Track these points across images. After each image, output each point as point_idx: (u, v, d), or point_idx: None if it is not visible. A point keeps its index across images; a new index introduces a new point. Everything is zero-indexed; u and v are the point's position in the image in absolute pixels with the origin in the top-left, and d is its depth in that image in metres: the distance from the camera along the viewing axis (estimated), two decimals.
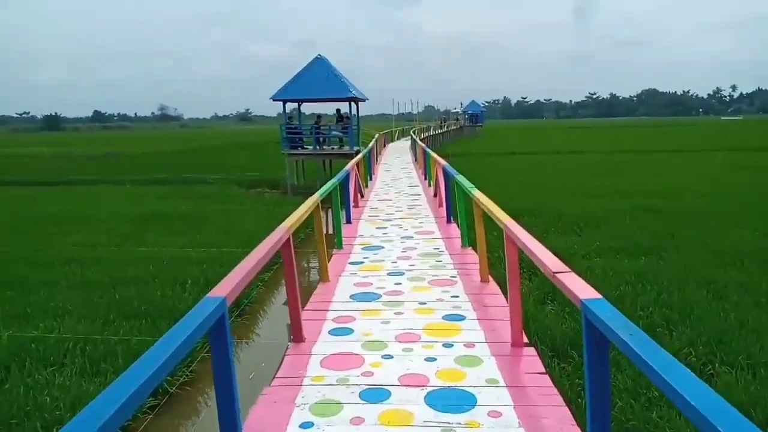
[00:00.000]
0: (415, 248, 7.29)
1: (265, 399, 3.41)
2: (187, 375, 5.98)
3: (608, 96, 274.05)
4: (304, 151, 23.12)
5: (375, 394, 3.39)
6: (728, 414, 1.47)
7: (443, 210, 9.43)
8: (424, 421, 3.08)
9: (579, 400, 4.59)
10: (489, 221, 5.09)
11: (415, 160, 21.49)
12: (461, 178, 7.15)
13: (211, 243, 11.29)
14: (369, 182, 15.12)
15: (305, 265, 10.77)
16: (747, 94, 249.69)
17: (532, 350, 4.07)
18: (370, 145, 19.71)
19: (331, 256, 6.94)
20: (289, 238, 4.23)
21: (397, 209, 10.58)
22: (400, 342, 4.19)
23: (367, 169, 15.75)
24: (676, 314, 6.49)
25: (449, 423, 3.05)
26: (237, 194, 20.44)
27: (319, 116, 25.33)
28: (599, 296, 2.42)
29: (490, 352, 3.98)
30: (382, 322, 4.63)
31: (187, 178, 24.95)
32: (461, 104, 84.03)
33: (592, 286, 2.58)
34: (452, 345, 4.12)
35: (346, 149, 22.45)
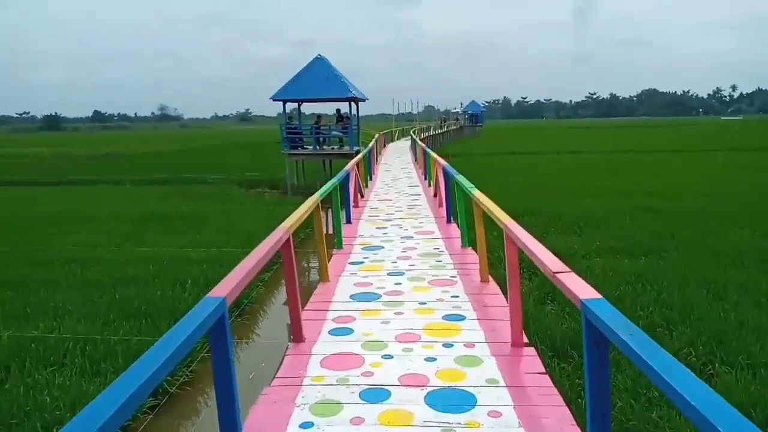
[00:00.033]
0: (415, 248, 7.29)
1: (265, 399, 3.41)
2: (187, 375, 5.98)
3: (608, 96, 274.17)
4: (304, 151, 23.13)
5: (375, 394, 3.39)
6: (728, 414, 1.47)
7: (443, 210, 9.43)
8: (424, 421, 3.08)
9: (579, 400, 4.59)
10: (489, 221, 5.09)
11: (415, 160, 21.49)
12: (461, 178, 7.15)
13: (211, 243, 11.29)
14: (369, 182, 15.12)
15: (305, 265, 10.77)
16: (747, 94, 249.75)
17: (532, 350, 4.08)
18: (370, 145, 19.71)
19: (331, 256, 6.94)
20: (289, 238, 4.23)
21: (397, 209, 10.58)
22: (400, 342, 4.19)
23: (367, 169, 15.75)
24: (676, 314, 6.49)
25: (449, 423, 3.05)
26: (237, 194, 20.44)
27: (319, 116, 25.33)
28: (599, 296, 2.42)
29: (490, 352, 3.98)
30: (382, 322, 4.63)
31: (187, 178, 24.95)
32: (461, 104, 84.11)
33: (592, 286, 2.58)
34: (452, 345, 4.12)
35: (346, 149, 22.45)
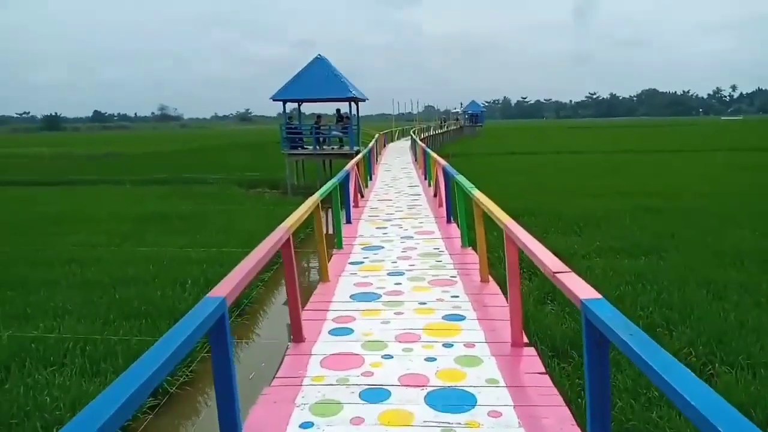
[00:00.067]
0: (415, 248, 7.29)
1: (265, 399, 3.41)
2: (187, 375, 5.98)
3: (608, 96, 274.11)
4: (304, 151, 23.13)
5: (375, 394, 3.39)
6: (728, 414, 1.47)
7: (443, 210, 9.43)
8: (424, 421, 3.08)
9: (579, 400, 4.59)
10: (489, 221, 5.09)
11: (415, 160, 21.49)
12: (461, 178, 7.15)
13: (211, 243, 11.29)
14: (369, 182, 15.12)
15: (305, 265, 10.77)
16: (747, 94, 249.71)
17: (532, 350, 4.08)
18: (370, 145, 19.71)
19: (331, 256, 6.94)
20: (289, 238, 4.23)
21: (397, 209, 10.58)
22: (400, 342, 4.19)
23: (367, 169, 15.75)
24: (676, 314, 6.50)
25: (449, 423, 3.05)
26: (237, 194, 20.44)
27: (319, 116, 25.33)
28: (599, 296, 2.42)
29: (490, 352, 3.98)
30: (382, 322, 4.63)
31: (187, 178, 24.95)
32: (461, 104, 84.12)
33: (592, 286, 2.58)
34: (452, 345, 4.12)
35: (346, 149, 22.45)
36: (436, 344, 4.13)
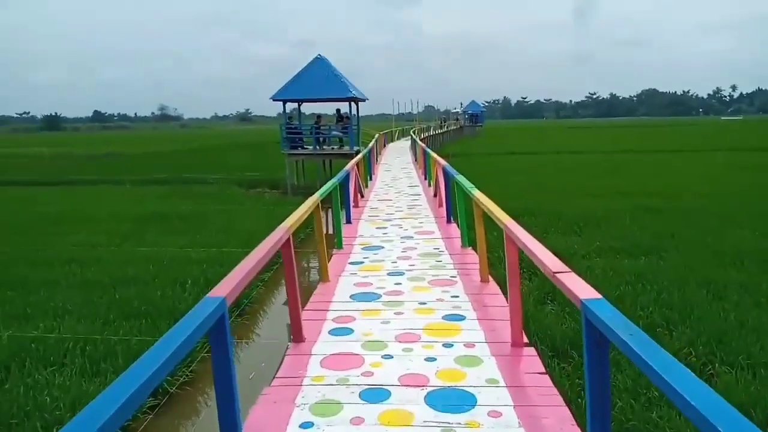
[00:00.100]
0: (415, 248, 7.29)
1: (265, 399, 3.41)
2: (187, 375, 5.98)
3: (608, 96, 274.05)
4: (304, 151, 23.13)
5: (375, 394, 3.39)
6: (728, 414, 1.47)
7: (443, 210, 9.43)
8: (424, 421, 3.07)
9: (579, 400, 4.59)
10: (489, 221, 5.09)
11: (415, 160, 21.49)
12: (461, 178, 7.15)
13: (211, 243, 11.29)
14: (369, 182, 15.12)
15: (305, 265, 10.77)
16: (747, 94, 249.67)
17: (532, 350, 4.08)
18: (370, 145, 19.71)
19: (331, 256, 6.94)
20: (289, 238, 4.23)
21: (397, 209, 10.58)
22: (400, 342, 4.19)
23: (367, 169, 15.75)
24: (676, 314, 6.49)
25: (449, 423, 3.05)
26: (237, 194, 20.44)
27: (319, 116, 25.33)
28: (599, 296, 2.42)
29: (490, 352, 3.98)
30: (382, 322, 4.63)
31: (187, 178, 24.95)
32: (461, 104, 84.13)
33: (592, 286, 2.58)
34: (452, 345, 4.12)
35: (346, 149, 22.45)
36: (436, 344, 4.13)
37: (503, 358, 3.88)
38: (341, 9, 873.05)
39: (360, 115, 24.35)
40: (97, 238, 12.00)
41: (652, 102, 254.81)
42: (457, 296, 5.28)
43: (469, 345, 4.11)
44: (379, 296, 5.32)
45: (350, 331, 4.46)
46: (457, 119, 72.60)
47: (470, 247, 7.13)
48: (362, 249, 7.38)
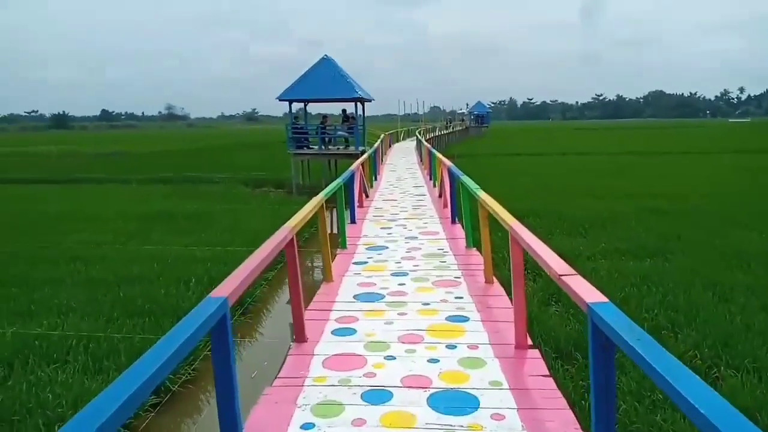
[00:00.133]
0: (420, 249, 7.27)
1: (266, 399, 3.40)
2: (189, 373, 5.98)
3: (615, 97, 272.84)
4: (309, 151, 23.14)
5: (377, 396, 3.37)
6: (733, 418, 1.45)
7: (448, 210, 9.41)
8: (427, 424, 3.05)
9: (583, 402, 4.56)
10: (494, 222, 5.06)
11: (421, 161, 21.47)
12: (466, 179, 7.13)
13: (216, 242, 11.31)
14: (374, 182, 15.11)
15: (309, 264, 10.76)
16: (755, 96, 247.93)
17: (536, 352, 4.05)
18: (376, 145, 19.71)
19: (335, 256, 6.93)
20: (292, 238, 4.21)
21: (402, 209, 10.55)
22: (403, 343, 4.17)
23: (372, 169, 15.75)
24: (681, 317, 6.45)
25: (452, 425, 3.03)
26: (243, 193, 20.49)
27: (324, 116, 25.36)
28: (606, 300, 2.39)
29: (494, 354, 3.95)
30: (386, 322, 4.62)
31: (194, 177, 25.01)
32: (467, 105, 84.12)
33: (597, 287, 2.55)
34: (455, 346, 4.09)
35: (351, 149, 22.46)
36: (439, 345, 4.11)
37: (507, 360, 3.85)
38: (348, 9, 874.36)
39: (366, 115, 24.35)
40: (103, 237, 12.04)
41: (658, 104, 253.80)
42: (461, 297, 5.26)
43: (473, 347, 4.09)
44: (383, 297, 5.30)
45: (353, 331, 4.44)
46: (463, 120, 72.51)
47: (475, 248, 7.11)
48: (366, 249, 7.36)
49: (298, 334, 4.31)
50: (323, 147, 23.22)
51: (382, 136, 25.02)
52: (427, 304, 5.06)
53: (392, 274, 6.07)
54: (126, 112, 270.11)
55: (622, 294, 7.12)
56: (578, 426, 3.04)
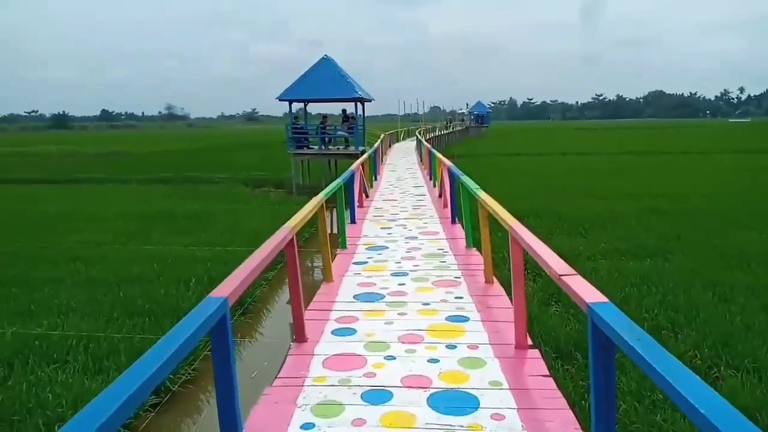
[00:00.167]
0: (420, 249, 7.27)
1: (266, 399, 3.40)
2: (189, 373, 5.98)
3: (615, 97, 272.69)
4: (309, 151, 23.14)
5: (377, 396, 3.37)
6: (733, 418, 1.45)
7: (448, 210, 9.41)
8: (427, 424, 3.05)
9: (582, 402, 4.56)
10: (494, 222, 5.06)
11: (421, 161, 21.47)
12: (466, 179, 7.13)
13: (216, 242, 11.31)
14: (374, 182, 15.11)
15: (309, 264, 10.76)
16: (755, 96, 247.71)
17: (536, 352, 4.05)
18: (376, 145, 19.71)
19: (335, 256, 6.93)
20: (292, 238, 4.21)
21: (402, 209, 10.55)
22: (403, 343, 4.17)
23: (372, 169, 15.75)
24: (681, 317, 6.45)
25: (452, 425, 3.03)
26: (243, 193, 20.49)
27: (324, 116, 25.36)
28: (606, 300, 2.39)
29: (494, 354, 3.95)
30: (386, 322, 4.61)
31: (194, 177, 25.01)
32: (467, 105, 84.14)
33: (597, 287, 2.55)
34: (455, 346, 4.09)
35: (351, 149, 22.46)
36: (439, 345, 4.11)
37: (507, 360, 3.85)
38: (348, 9, 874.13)
39: (366, 115, 24.35)
40: (103, 237, 12.03)
41: (658, 104, 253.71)
42: (461, 297, 5.26)
43: (473, 347, 4.09)
44: (383, 297, 5.30)
45: (353, 331, 4.44)
46: (463, 120, 72.51)
47: (475, 248, 7.11)
48: (366, 249, 7.36)
49: (298, 334, 4.31)
50: (323, 147, 23.22)
51: (382, 136, 25.02)
52: (427, 304, 5.06)
53: (392, 274, 6.07)
54: (126, 112, 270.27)
55: (622, 294, 7.12)
56: (578, 426, 3.04)
